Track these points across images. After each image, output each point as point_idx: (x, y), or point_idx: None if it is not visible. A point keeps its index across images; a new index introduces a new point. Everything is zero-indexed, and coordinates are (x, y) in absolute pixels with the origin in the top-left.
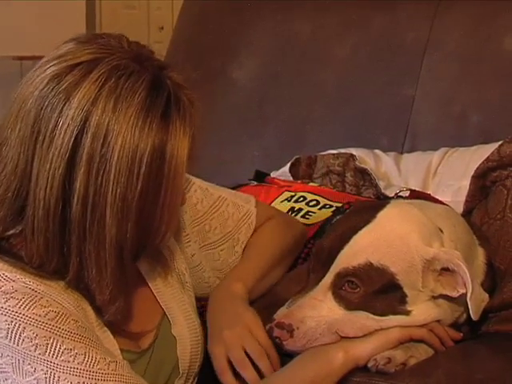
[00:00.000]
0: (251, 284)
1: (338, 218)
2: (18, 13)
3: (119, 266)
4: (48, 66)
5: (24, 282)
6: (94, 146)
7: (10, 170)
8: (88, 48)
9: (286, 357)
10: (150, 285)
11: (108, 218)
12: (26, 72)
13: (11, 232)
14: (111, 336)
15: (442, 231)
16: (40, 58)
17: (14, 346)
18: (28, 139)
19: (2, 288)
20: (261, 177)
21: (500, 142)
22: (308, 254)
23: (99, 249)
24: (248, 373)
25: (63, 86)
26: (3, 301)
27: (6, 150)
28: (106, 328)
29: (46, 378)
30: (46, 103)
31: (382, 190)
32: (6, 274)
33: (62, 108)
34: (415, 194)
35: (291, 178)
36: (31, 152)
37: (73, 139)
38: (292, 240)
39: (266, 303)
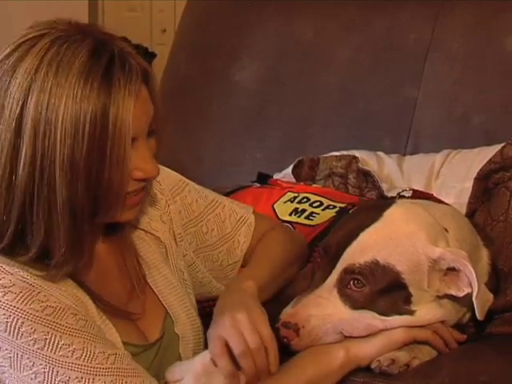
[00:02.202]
0: (261, 284)
1: (342, 218)
2: (19, 14)
3: (73, 226)
4: (1, 52)
5: (22, 276)
6: (39, 111)
7: None
8: (36, 27)
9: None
10: (149, 282)
11: (58, 179)
12: None
13: None
14: (113, 329)
15: (447, 231)
16: None
17: (14, 339)
18: None
19: (0, 281)
20: (263, 179)
21: (503, 144)
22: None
23: (51, 210)
24: (247, 362)
25: (10, 63)
26: (1, 294)
27: None
28: (108, 321)
29: (44, 372)
30: None
31: (385, 193)
32: (4, 266)
33: (9, 81)
34: (418, 194)
35: (294, 180)
36: None
37: (19, 107)
38: (297, 248)
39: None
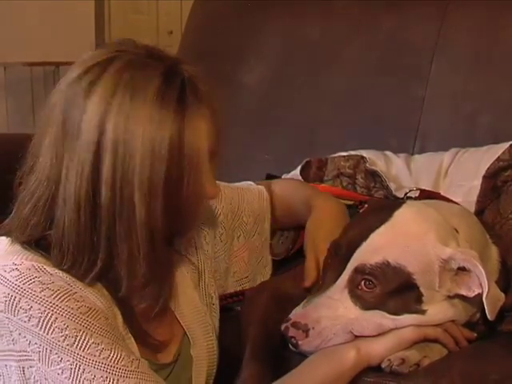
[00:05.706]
0: None
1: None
2: (28, 20)
3: (151, 249)
4: (70, 72)
5: (61, 277)
6: (117, 133)
7: (42, 177)
8: (103, 49)
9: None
10: (170, 305)
11: (137, 200)
12: (36, 78)
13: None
14: (134, 343)
15: (457, 231)
16: (49, 63)
17: (44, 334)
18: (59, 142)
19: (40, 278)
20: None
21: (511, 142)
22: None
23: (131, 231)
24: None
25: (84, 85)
26: (39, 290)
27: (39, 160)
28: (130, 335)
29: (71, 368)
30: (71, 104)
31: (393, 192)
32: (46, 267)
33: (85, 104)
34: (425, 194)
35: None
36: (61, 154)
37: (97, 130)
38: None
39: (274, 298)
